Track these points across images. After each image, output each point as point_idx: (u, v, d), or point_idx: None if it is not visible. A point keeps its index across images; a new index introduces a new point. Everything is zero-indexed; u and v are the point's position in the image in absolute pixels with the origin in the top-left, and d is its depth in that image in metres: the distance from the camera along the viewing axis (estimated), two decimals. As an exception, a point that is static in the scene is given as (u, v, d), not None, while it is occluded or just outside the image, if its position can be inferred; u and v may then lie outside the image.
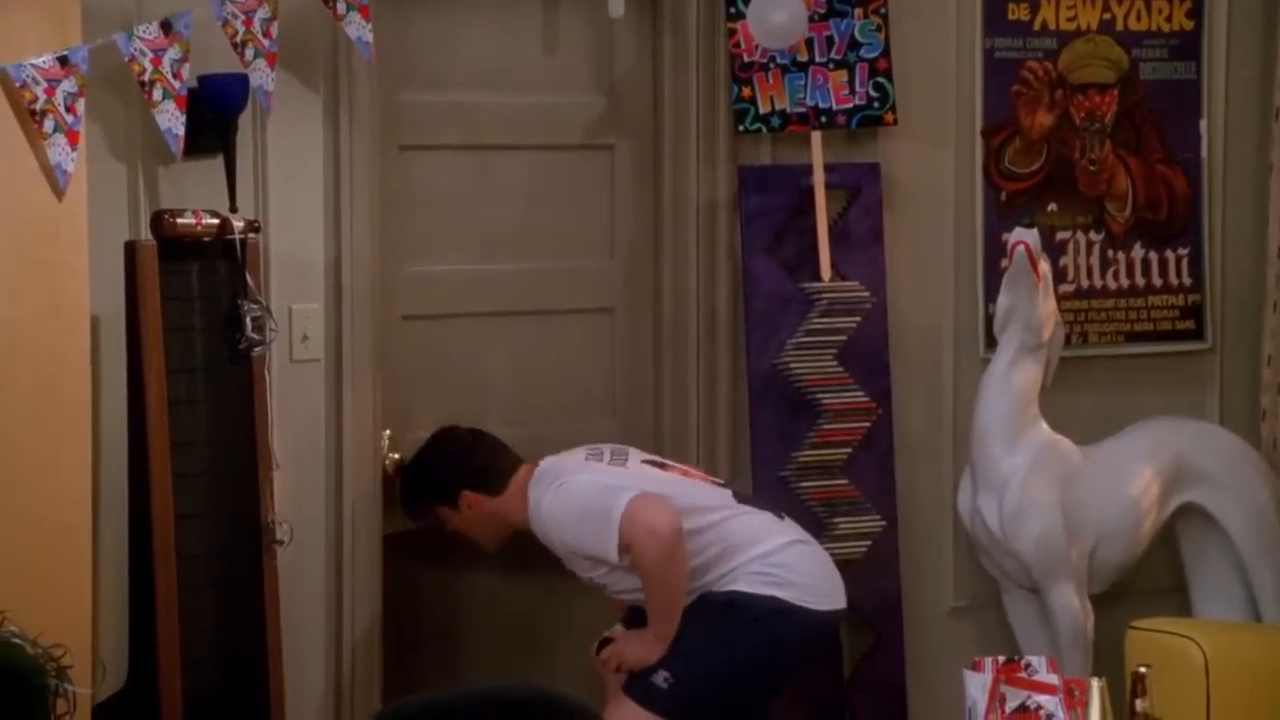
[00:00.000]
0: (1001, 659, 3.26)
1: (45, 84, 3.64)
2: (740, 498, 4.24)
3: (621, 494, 4.02)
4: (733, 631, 4.06)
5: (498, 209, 4.65)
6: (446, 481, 4.27)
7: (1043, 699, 3.22)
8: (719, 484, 4.31)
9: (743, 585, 4.06)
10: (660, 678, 4.05)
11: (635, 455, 4.27)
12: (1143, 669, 3.14)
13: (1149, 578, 4.91)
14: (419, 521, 4.39)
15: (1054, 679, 3.24)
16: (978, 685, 3.26)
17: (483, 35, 4.62)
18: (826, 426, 4.71)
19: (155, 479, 3.84)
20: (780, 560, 4.09)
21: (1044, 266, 4.58)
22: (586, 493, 4.08)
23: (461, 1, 4.61)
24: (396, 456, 4.47)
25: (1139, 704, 3.13)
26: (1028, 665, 3.27)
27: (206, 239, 3.96)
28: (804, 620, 4.09)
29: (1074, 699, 3.21)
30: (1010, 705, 3.21)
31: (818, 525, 4.60)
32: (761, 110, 4.70)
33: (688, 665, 4.04)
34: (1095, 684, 3.10)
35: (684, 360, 4.73)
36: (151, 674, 3.82)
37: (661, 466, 4.27)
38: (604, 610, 4.34)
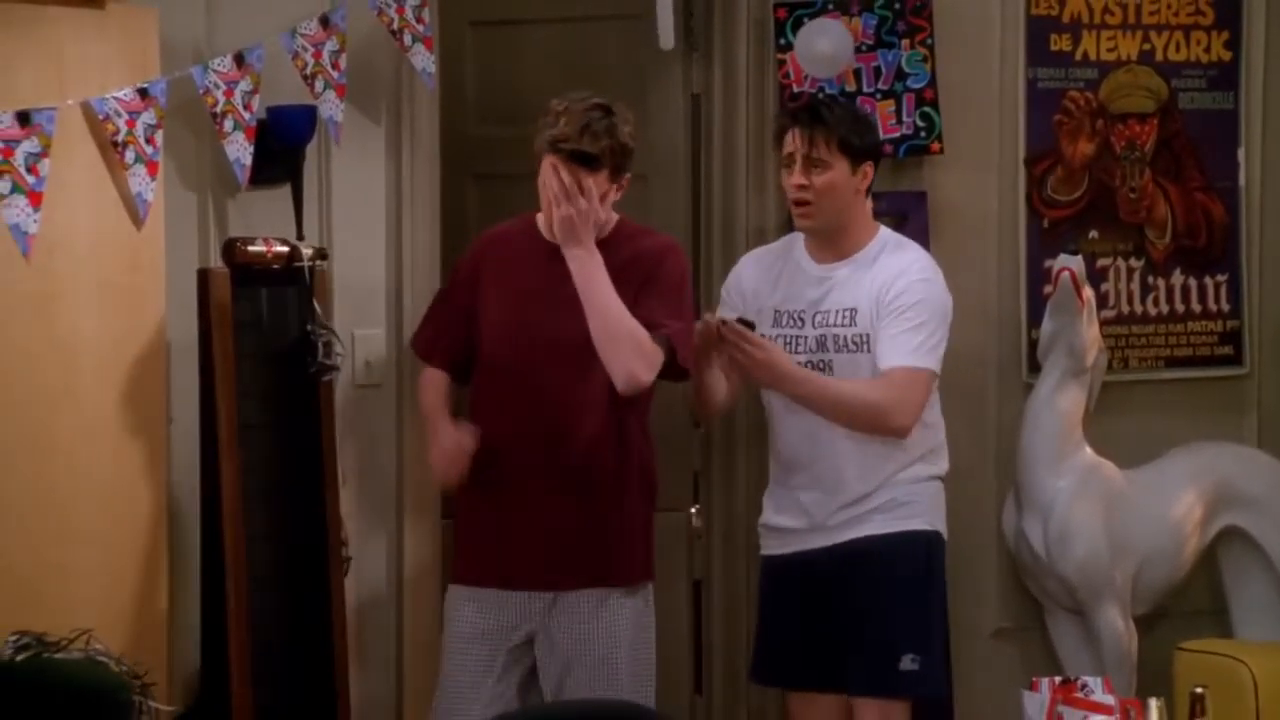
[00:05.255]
0: (1058, 679, 3.29)
1: (126, 116, 3.73)
2: None
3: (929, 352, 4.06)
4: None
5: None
6: (869, 142, 4.15)
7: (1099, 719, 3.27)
8: None
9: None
10: (908, 660, 4.03)
11: None
12: (1200, 689, 3.15)
13: (1189, 600, 4.93)
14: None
15: (1110, 699, 3.26)
16: (1035, 705, 3.29)
17: (538, 72, 4.81)
18: (873, 450, 4.76)
19: (226, 500, 3.91)
20: None
21: (1088, 292, 4.63)
22: (941, 307, 4.11)
23: (521, 41, 4.83)
24: None
25: (1198, 723, 3.16)
26: (1084, 686, 3.28)
27: (276, 266, 4.04)
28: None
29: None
30: (1067, 725, 3.26)
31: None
32: (811, 139, 4.76)
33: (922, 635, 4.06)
34: (1154, 704, 3.10)
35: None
36: (224, 690, 3.89)
37: None
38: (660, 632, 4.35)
